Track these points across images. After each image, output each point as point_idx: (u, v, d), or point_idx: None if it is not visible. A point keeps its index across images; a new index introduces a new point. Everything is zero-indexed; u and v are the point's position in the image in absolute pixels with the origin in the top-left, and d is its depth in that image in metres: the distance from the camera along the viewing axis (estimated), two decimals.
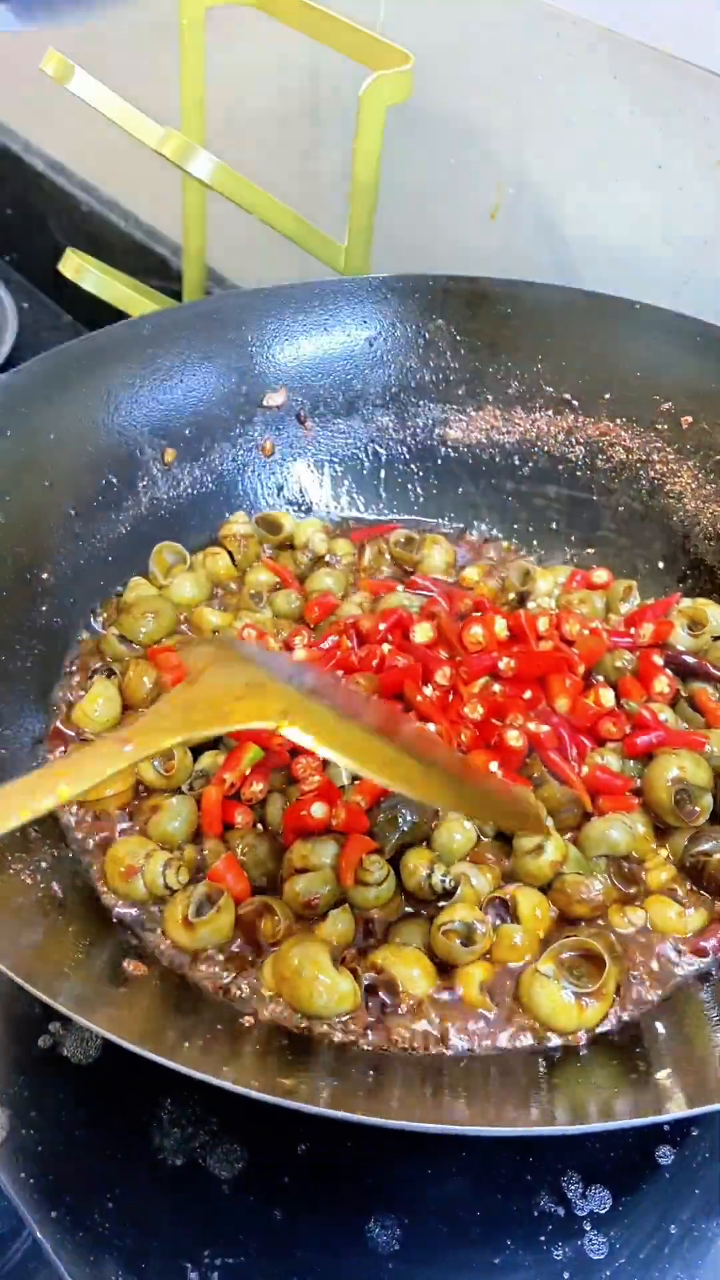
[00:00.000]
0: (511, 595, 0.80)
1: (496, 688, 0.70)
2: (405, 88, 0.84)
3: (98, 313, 0.98)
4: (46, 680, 0.72)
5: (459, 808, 0.60)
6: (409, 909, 0.63)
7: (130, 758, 0.49)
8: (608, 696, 0.70)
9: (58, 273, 0.94)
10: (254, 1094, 0.47)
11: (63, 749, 0.70)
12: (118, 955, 0.59)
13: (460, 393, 0.89)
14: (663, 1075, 0.54)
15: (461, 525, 0.88)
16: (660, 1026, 0.59)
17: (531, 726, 0.67)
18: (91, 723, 0.70)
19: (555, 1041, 0.58)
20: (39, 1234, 0.58)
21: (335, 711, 0.52)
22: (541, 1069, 0.56)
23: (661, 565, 0.82)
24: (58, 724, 0.71)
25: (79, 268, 0.95)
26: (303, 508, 0.89)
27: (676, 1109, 0.51)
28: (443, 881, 0.62)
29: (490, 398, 0.89)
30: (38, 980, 0.51)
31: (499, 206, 0.98)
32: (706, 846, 0.65)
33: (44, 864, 0.61)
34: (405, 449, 0.89)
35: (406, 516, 0.89)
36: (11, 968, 0.50)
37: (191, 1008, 0.57)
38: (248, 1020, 0.56)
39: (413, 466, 0.89)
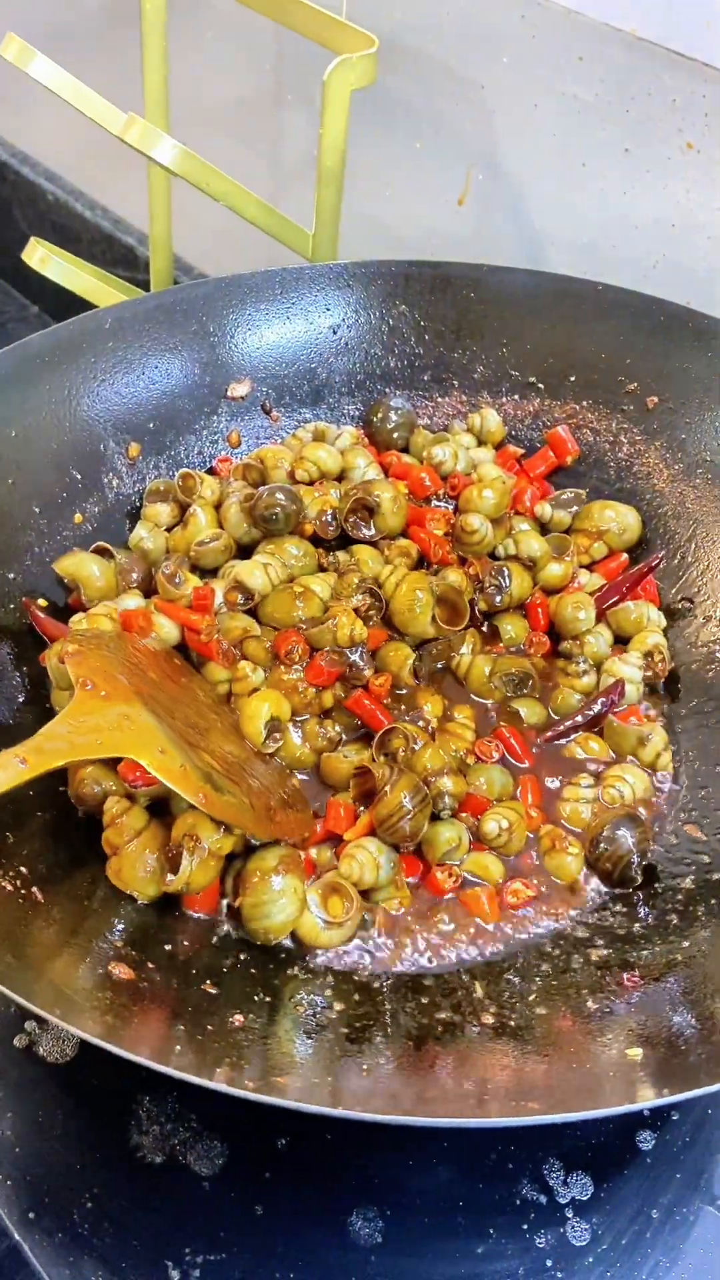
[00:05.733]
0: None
1: None
2: (370, 71, 0.83)
3: (65, 303, 0.97)
4: (16, 682, 0.71)
5: (255, 833, 0.64)
6: None
7: (26, 774, 0.56)
8: None
9: (23, 263, 0.94)
10: (250, 1095, 0.47)
11: None
12: (104, 960, 0.58)
13: (426, 379, 0.89)
14: (639, 1058, 0.54)
15: None
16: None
17: None
18: None
19: None
20: (16, 1235, 0.57)
21: (177, 742, 0.62)
22: (529, 1052, 0.56)
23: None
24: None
25: (44, 257, 0.94)
26: None
27: (657, 1095, 0.51)
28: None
29: (456, 383, 0.88)
30: (21, 986, 0.51)
31: (467, 191, 0.97)
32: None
33: (24, 869, 0.60)
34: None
35: None
36: None
37: (179, 1010, 0.57)
38: (237, 1019, 0.56)
39: None
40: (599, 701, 0.73)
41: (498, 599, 0.76)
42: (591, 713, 0.73)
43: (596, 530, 0.81)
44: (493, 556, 0.79)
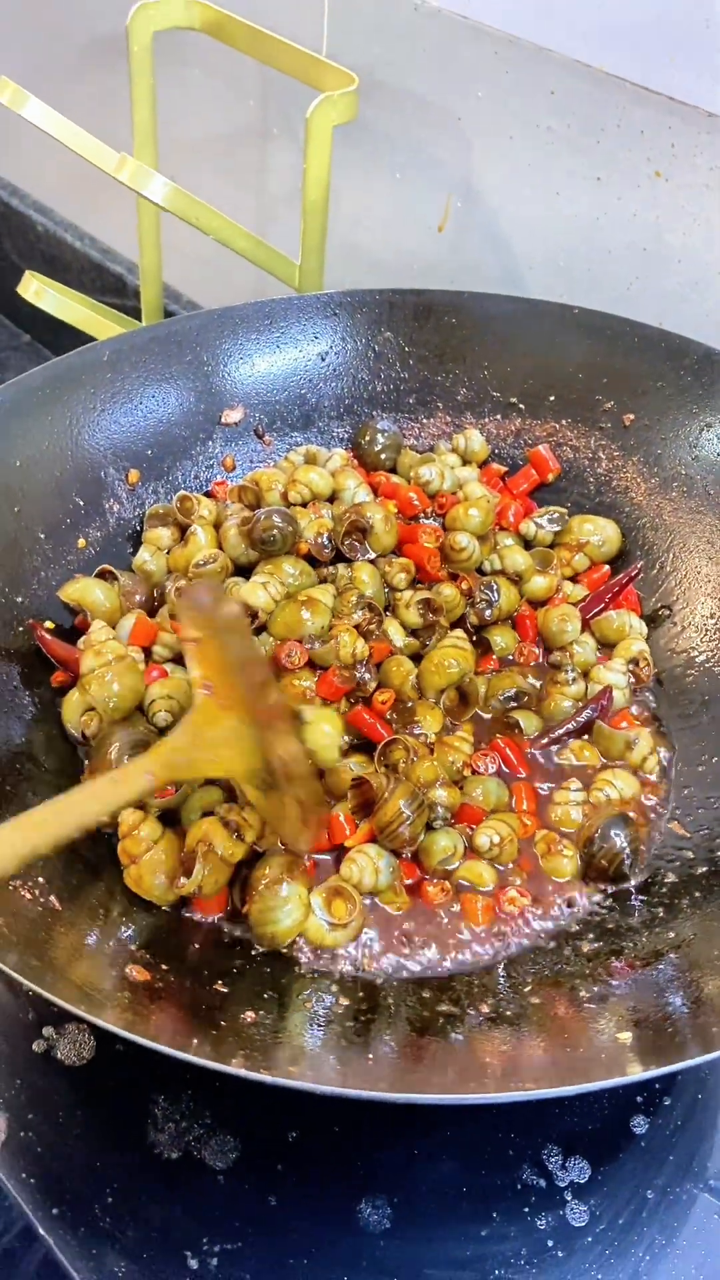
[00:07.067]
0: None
1: None
2: (351, 108, 0.85)
3: (58, 332, 0.98)
4: (26, 702, 0.73)
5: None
6: None
7: (153, 787, 0.59)
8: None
9: (15, 292, 0.96)
10: (265, 1079, 0.49)
11: None
12: (120, 962, 0.60)
13: (411, 402, 0.91)
14: (629, 1040, 0.56)
15: None
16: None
17: None
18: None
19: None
20: (42, 1231, 0.59)
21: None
22: (525, 1036, 0.59)
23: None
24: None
25: (39, 290, 0.96)
26: None
27: (643, 1070, 0.53)
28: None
29: (440, 405, 0.91)
30: (47, 985, 0.53)
31: (447, 218, 1.00)
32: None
33: (42, 879, 0.62)
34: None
35: None
36: (16, 968, 0.52)
37: (194, 1008, 0.59)
38: (249, 1016, 0.58)
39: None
40: (588, 708, 0.76)
41: (488, 613, 0.79)
42: (582, 720, 0.75)
43: (578, 543, 0.84)
44: (479, 571, 0.82)
